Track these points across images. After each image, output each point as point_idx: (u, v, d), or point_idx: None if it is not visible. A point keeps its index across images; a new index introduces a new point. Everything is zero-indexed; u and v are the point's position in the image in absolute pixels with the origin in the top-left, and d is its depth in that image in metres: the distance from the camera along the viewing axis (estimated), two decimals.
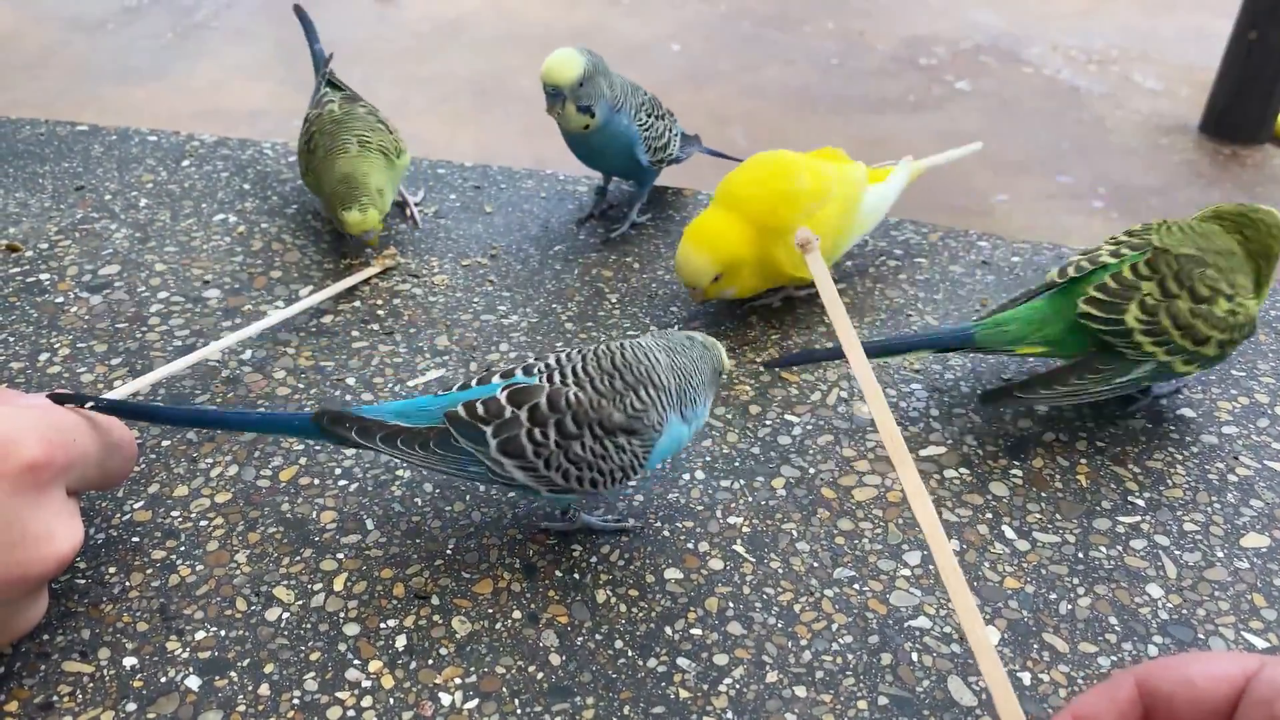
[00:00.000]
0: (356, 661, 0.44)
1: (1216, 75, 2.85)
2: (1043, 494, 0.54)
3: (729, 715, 0.42)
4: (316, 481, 0.53)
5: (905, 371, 0.62)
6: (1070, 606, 0.48)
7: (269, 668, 0.44)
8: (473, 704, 0.42)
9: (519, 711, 0.42)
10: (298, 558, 0.49)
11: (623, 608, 0.47)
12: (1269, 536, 0.51)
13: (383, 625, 0.46)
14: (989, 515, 0.52)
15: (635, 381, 0.46)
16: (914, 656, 0.45)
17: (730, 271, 0.61)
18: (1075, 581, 0.49)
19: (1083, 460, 0.56)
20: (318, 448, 0.55)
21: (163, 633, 0.45)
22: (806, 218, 0.61)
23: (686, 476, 0.54)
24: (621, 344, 0.48)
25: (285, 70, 2.99)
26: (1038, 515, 0.52)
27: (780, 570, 0.49)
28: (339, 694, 0.43)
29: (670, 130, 0.74)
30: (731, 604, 0.47)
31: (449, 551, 0.49)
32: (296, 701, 0.42)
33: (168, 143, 0.84)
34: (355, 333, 0.63)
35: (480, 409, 0.45)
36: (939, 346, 0.58)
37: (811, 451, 0.56)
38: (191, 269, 0.69)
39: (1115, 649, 0.46)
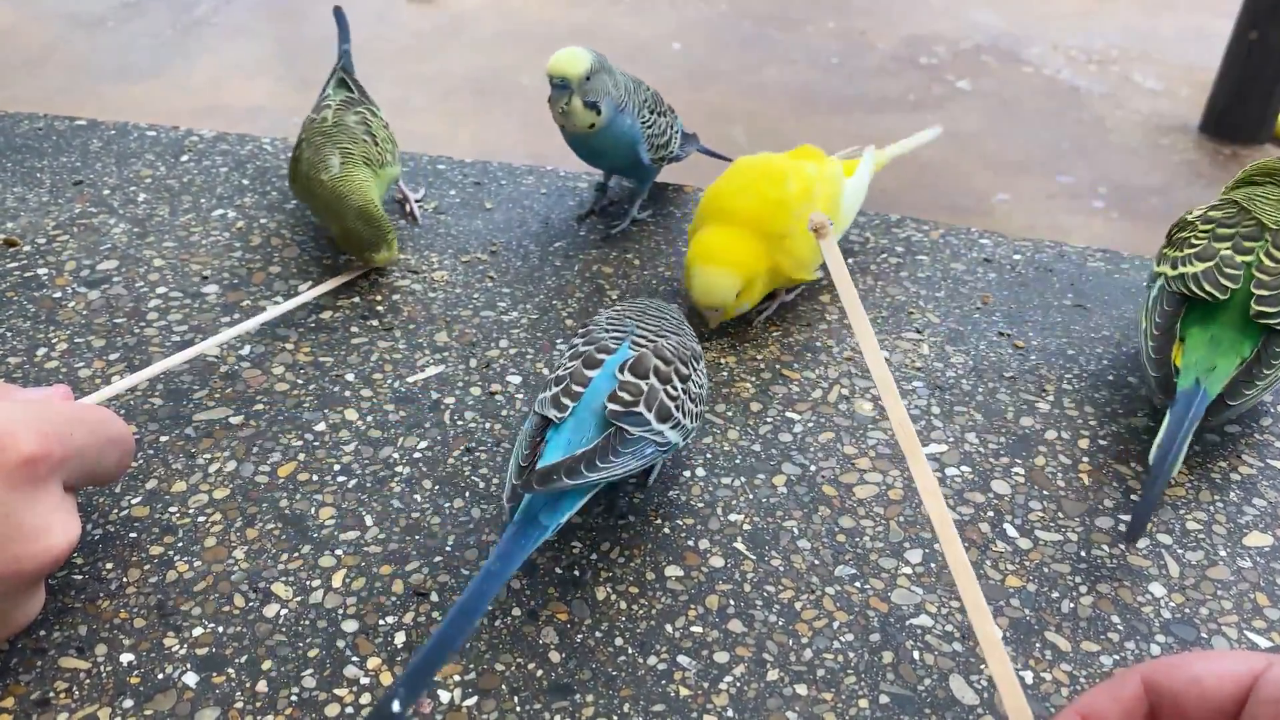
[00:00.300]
0: (355, 658, 0.44)
1: (1217, 75, 2.85)
2: (1045, 492, 0.53)
3: (729, 713, 0.42)
4: (315, 478, 0.52)
5: (907, 369, 0.62)
6: (1072, 605, 0.47)
7: (267, 664, 0.43)
8: (472, 701, 0.42)
9: (518, 709, 0.42)
10: (296, 554, 0.48)
11: (623, 605, 0.46)
12: (1272, 535, 0.51)
13: (381, 622, 0.45)
14: (990, 513, 0.52)
15: (672, 322, 0.53)
16: (915, 655, 0.45)
17: (747, 286, 0.61)
18: (1077, 580, 0.49)
19: (1085, 459, 0.56)
20: (316, 444, 0.54)
21: (160, 629, 0.45)
22: (799, 222, 0.61)
23: (687, 474, 0.54)
24: (632, 302, 0.55)
25: (285, 67, 2.99)
26: (1040, 513, 0.52)
27: (781, 568, 0.49)
28: (337, 691, 0.42)
29: (671, 128, 0.74)
30: (732, 601, 0.47)
31: (448, 548, 0.49)
32: (294, 698, 0.42)
33: (166, 138, 0.84)
34: (354, 328, 0.63)
35: (627, 395, 0.46)
36: (1192, 426, 0.53)
37: (812, 449, 0.55)
38: (190, 264, 0.68)
39: (1118, 648, 0.45)
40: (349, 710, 0.42)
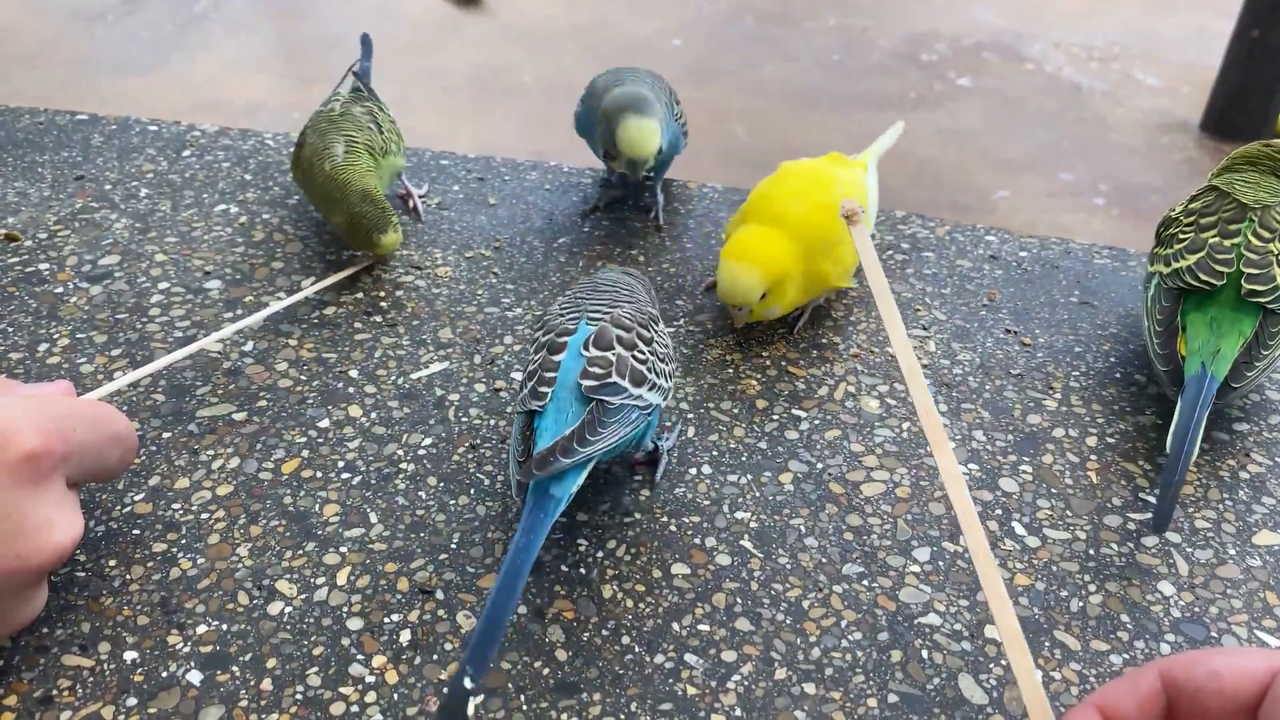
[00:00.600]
0: (360, 656, 0.43)
1: (1218, 73, 2.85)
2: (1053, 490, 0.53)
3: (737, 712, 0.42)
4: (319, 474, 0.52)
5: None
6: (1081, 604, 0.47)
7: (271, 662, 0.43)
8: (478, 700, 0.42)
9: (525, 708, 0.42)
10: (300, 551, 0.48)
11: (629, 603, 0.46)
12: None
13: (386, 620, 0.45)
14: (999, 511, 0.52)
15: (624, 291, 0.54)
16: (924, 654, 0.45)
17: (776, 288, 0.60)
18: (1086, 579, 0.48)
19: (1093, 456, 0.55)
20: (320, 440, 0.54)
21: (164, 627, 0.44)
22: (847, 231, 0.61)
23: (693, 471, 0.53)
24: (583, 281, 0.55)
25: (285, 63, 2.98)
26: (1048, 511, 0.52)
27: (788, 566, 0.48)
28: (342, 689, 0.42)
29: (683, 116, 0.75)
30: (739, 600, 0.47)
31: (453, 545, 0.49)
32: (299, 697, 0.42)
33: (168, 132, 0.83)
34: (358, 324, 0.63)
35: (598, 369, 0.47)
36: (1205, 410, 0.53)
37: (819, 446, 0.55)
38: (192, 259, 0.68)
39: (1127, 647, 0.45)
40: (354, 709, 0.41)
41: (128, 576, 0.46)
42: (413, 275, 0.67)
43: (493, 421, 0.56)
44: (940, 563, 0.49)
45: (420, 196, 0.76)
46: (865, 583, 0.48)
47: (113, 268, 0.67)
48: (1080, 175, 2.63)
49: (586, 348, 0.48)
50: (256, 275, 0.67)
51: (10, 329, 0.61)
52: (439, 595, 0.46)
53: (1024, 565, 0.49)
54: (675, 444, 0.54)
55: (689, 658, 0.44)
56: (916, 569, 0.49)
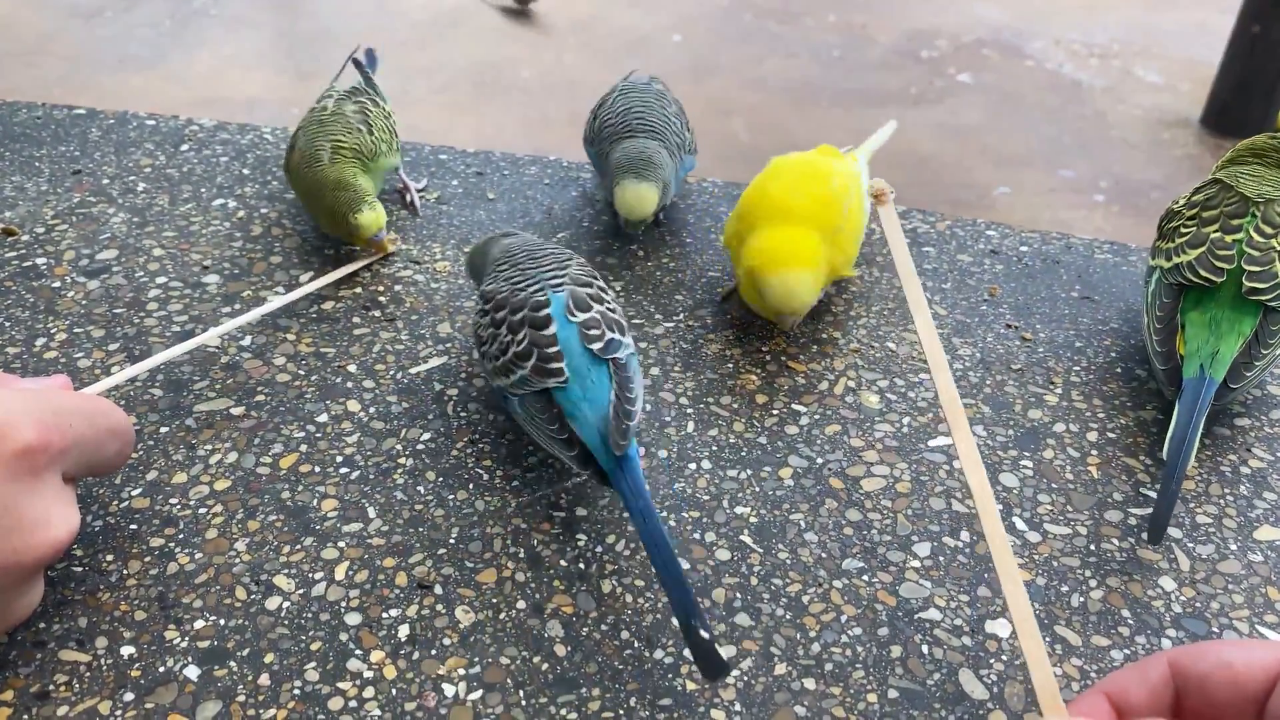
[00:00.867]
0: (358, 651, 0.43)
1: (1218, 69, 2.85)
2: (1053, 485, 0.53)
3: (737, 707, 0.42)
4: (317, 469, 0.52)
5: (913, 362, 0.61)
6: (1082, 599, 0.47)
7: (269, 657, 0.43)
8: (476, 695, 0.42)
9: (524, 703, 0.41)
10: (298, 546, 0.48)
11: (629, 598, 0.46)
12: None
13: (385, 615, 0.45)
14: (999, 507, 0.52)
15: (555, 253, 0.55)
16: (924, 649, 0.44)
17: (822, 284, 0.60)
18: (1087, 574, 0.48)
19: (1094, 452, 0.55)
20: (318, 435, 0.54)
21: (161, 622, 0.44)
22: (846, 219, 0.61)
23: (693, 466, 0.53)
24: (511, 256, 0.55)
25: (284, 59, 2.98)
26: (1049, 507, 0.52)
27: (788, 561, 0.48)
28: (340, 684, 0.42)
29: (692, 135, 0.74)
30: (739, 595, 0.46)
31: (452, 540, 0.48)
32: (297, 692, 0.41)
33: (166, 127, 0.83)
34: (356, 319, 0.62)
35: (594, 331, 0.49)
36: (1202, 416, 0.52)
37: (819, 441, 0.55)
38: (190, 254, 0.68)
39: (1128, 642, 0.45)
40: (352, 704, 0.41)
41: (125, 571, 0.46)
42: (411, 270, 0.67)
43: (491, 416, 0.56)
44: (940, 558, 0.49)
45: (418, 190, 0.76)
46: (865, 578, 0.48)
47: (110, 262, 0.66)
48: (1081, 171, 2.63)
49: (572, 314, 0.49)
50: (254, 270, 0.66)
51: (7, 323, 0.61)
52: (438, 590, 0.46)
53: (1024, 560, 0.49)
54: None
55: (689, 653, 0.44)
56: (917, 564, 0.48)
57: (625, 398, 0.48)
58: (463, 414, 0.56)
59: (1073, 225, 2.32)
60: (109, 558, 0.47)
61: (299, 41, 3.09)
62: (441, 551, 0.48)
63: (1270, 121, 2.73)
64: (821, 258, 0.59)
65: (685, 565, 0.48)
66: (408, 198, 0.75)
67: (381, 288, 0.65)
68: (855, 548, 0.49)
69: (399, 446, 0.53)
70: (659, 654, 0.44)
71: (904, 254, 0.38)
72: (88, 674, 0.42)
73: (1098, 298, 0.68)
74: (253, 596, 0.45)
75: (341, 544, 0.48)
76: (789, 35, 3.39)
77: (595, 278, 0.53)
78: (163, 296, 0.64)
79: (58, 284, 0.64)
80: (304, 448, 0.53)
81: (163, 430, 0.54)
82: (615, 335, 0.50)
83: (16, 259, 0.66)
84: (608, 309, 0.51)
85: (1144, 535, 0.50)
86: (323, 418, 0.55)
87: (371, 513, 0.50)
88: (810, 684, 0.43)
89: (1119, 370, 0.61)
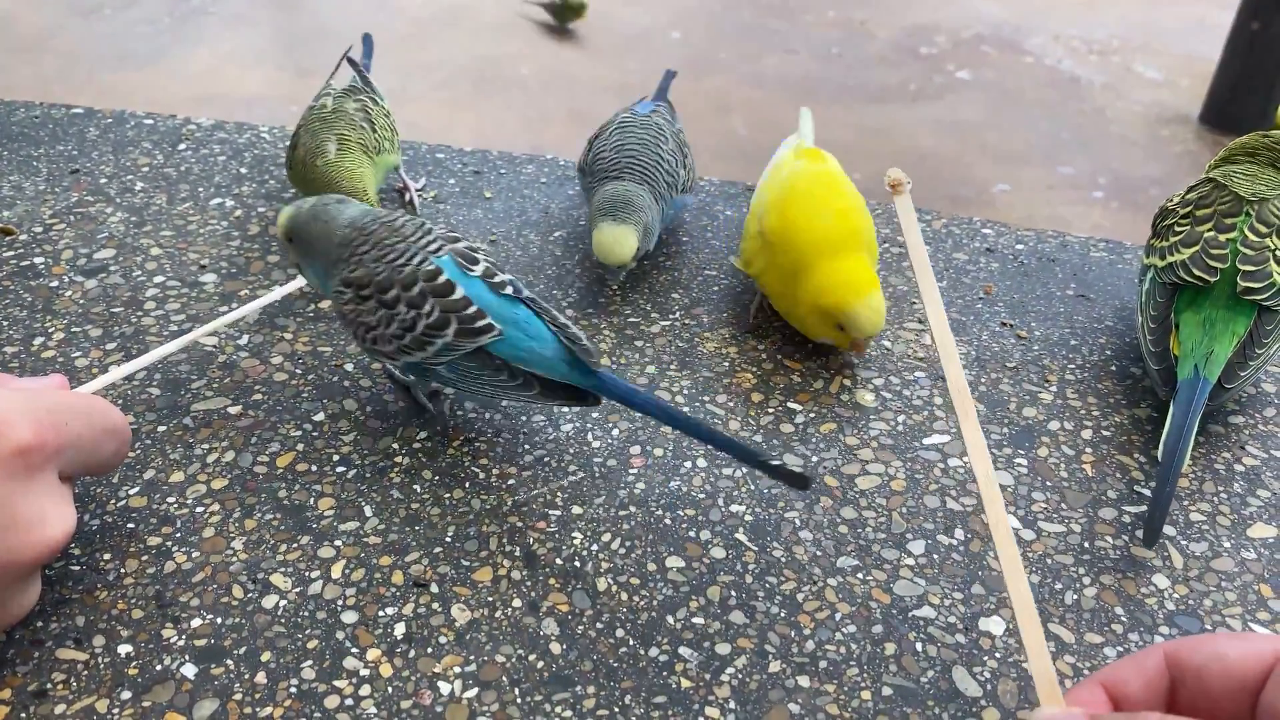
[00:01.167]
0: (355, 650, 0.43)
1: (1217, 66, 2.84)
2: (1048, 483, 0.53)
3: (731, 705, 0.42)
4: (314, 468, 0.52)
5: (909, 359, 0.61)
6: (1076, 596, 0.47)
7: (266, 656, 0.43)
8: (472, 693, 0.42)
9: (519, 700, 0.42)
10: (295, 545, 0.48)
11: (624, 596, 0.46)
12: (1276, 527, 0.51)
13: (381, 613, 0.45)
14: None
15: (416, 221, 0.53)
16: (918, 646, 0.45)
17: None
18: (1081, 571, 0.48)
19: (1088, 449, 0.55)
20: (315, 434, 0.54)
21: (158, 620, 0.44)
22: (867, 228, 0.61)
23: (688, 464, 0.53)
24: (364, 230, 0.51)
25: (282, 56, 2.98)
26: (1043, 504, 0.52)
27: (783, 559, 0.48)
28: (337, 683, 0.42)
29: (692, 166, 0.71)
30: (734, 593, 0.47)
31: (448, 539, 0.49)
32: (294, 690, 0.42)
33: (164, 126, 0.83)
34: None
35: (498, 279, 0.51)
36: (1196, 418, 0.52)
37: (814, 439, 0.55)
38: (188, 253, 0.68)
39: (1122, 639, 0.45)
40: (349, 702, 0.41)
41: (122, 570, 0.46)
42: None
43: (488, 415, 0.56)
44: (935, 556, 0.49)
45: (417, 190, 0.76)
46: (860, 576, 0.48)
47: (108, 261, 0.67)
48: (1080, 168, 2.63)
49: (468, 270, 0.50)
50: (252, 269, 0.67)
51: (5, 323, 0.61)
52: (434, 588, 0.46)
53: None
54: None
55: (683, 650, 0.44)
56: (911, 562, 0.49)
57: (560, 323, 0.50)
58: (459, 413, 0.56)
59: (1071, 222, 2.32)
60: (106, 556, 0.47)
61: (298, 39, 3.09)
62: (438, 550, 0.48)
63: (1269, 118, 2.73)
64: (874, 267, 0.60)
65: (680, 563, 0.48)
66: (407, 197, 0.75)
67: None
68: (850, 546, 0.49)
69: (396, 445, 0.54)
70: (654, 652, 0.44)
71: (919, 247, 0.39)
72: (85, 672, 0.42)
73: (1093, 296, 0.68)
74: (250, 595, 0.46)
75: (338, 542, 0.48)
76: (788, 32, 3.39)
77: (458, 232, 0.53)
78: (160, 295, 0.64)
79: (55, 283, 0.64)
80: (301, 446, 0.53)
81: (160, 429, 0.54)
82: (510, 276, 0.51)
83: (14, 258, 0.66)
84: (486, 255, 0.52)
85: (1138, 534, 0.50)
86: (319, 416, 0.55)
87: (368, 511, 0.50)
88: (804, 681, 0.43)
89: (1114, 368, 0.61)
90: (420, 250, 0.50)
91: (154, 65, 2.88)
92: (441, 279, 0.49)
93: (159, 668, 0.42)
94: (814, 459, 0.54)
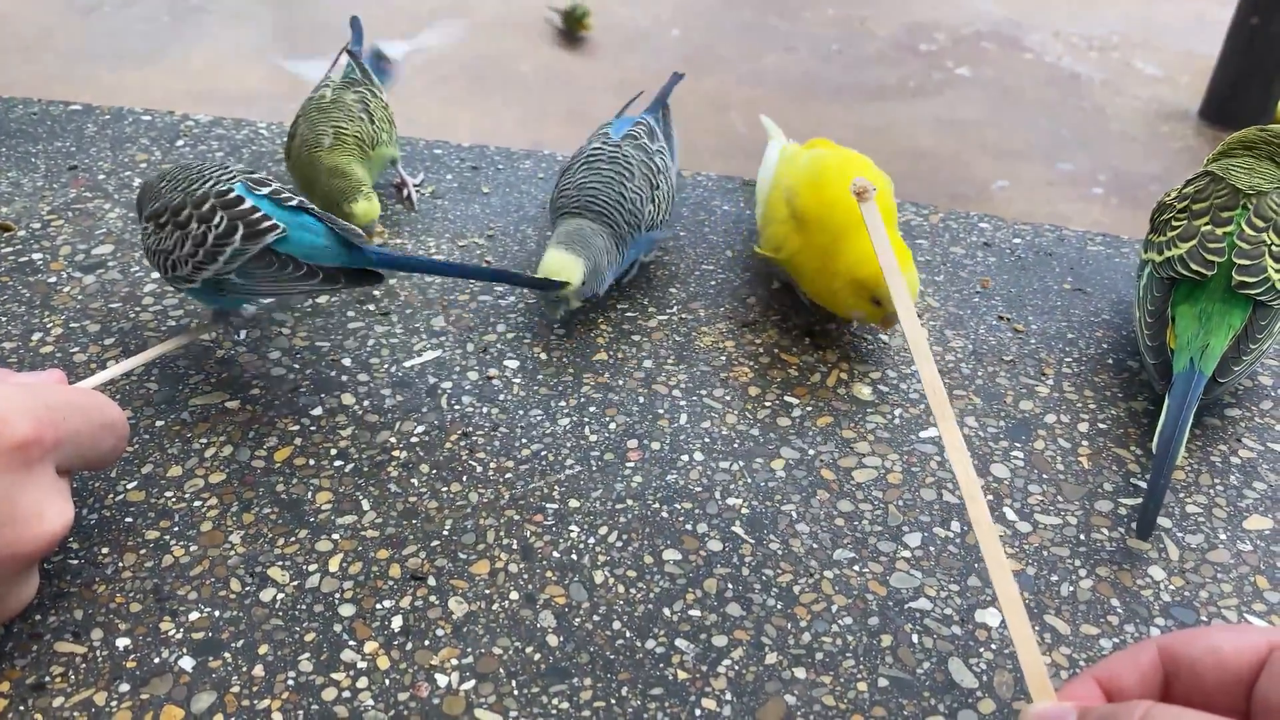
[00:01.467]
0: (352, 642, 0.44)
1: (1217, 62, 2.84)
2: (1044, 476, 0.53)
3: (728, 696, 0.42)
4: (311, 462, 0.52)
5: (906, 353, 0.61)
6: (1072, 588, 0.47)
7: (263, 649, 0.43)
8: (469, 685, 0.42)
9: (516, 692, 0.42)
10: (293, 538, 0.48)
11: (621, 589, 0.46)
12: (1272, 519, 0.51)
13: (379, 606, 0.45)
14: (990, 497, 0.52)
15: (197, 167, 0.57)
16: (914, 638, 0.45)
17: None
18: (1077, 563, 0.49)
19: (1084, 442, 0.55)
20: (313, 428, 0.54)
21: (156, 613, 0.44)
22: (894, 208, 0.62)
23: (685, 458, 0.53)
24: (151, 186, 0.57)
25: (281, 53, 2.97)
26: (1039, 497, 0.52)
27: (779, 551, 0.48)
28: (334, 675, 0.42)
29: (668, 201, 0.66)
30: (730, 585, 0.47)
31: (445, 532, 0.49)
32: (291, 683, 0.42)
33: (162, 122, 0.83)
34: (351, 313, 0.63)
35: (286, 191, 0.55)
36: (1191, 410, 0.52)
37: (811, 433, 0.55)
38: None
39: (1117, 631, 0.45)
40: (346, 694, 0.41)
41: (120, 564, 0.46)
42: None
43: (485, 409, 0.56)
44: (931, 548, 0.49)
45: (415, 185, 0.76)
46: (856, 568, 0.48)
47: (106, 257, 0.67)
48: (1079, 164, 2.63)
49: (257, 190, 0.54)
50: None
51: (4, 318, 0.61)
52: (431, 581, 0.46)
53: (1015, 550, 0.49)
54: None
55: (680, 642, 0.44)
56: (907, 554, 0.49)
57: (339, 224, 0.55)
58: (456, 407, 0.56)
59: (1071, 218, 2.32)
60: (104, 550, 0.47)
61: (297, 36, 3.09)
62: (435, 543, 0.48)
63: (1269, 113, 2.73)
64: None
65: (677, 556, 0.48)
66: (405, 192, 0.75)
67: None
68: (846, 538, 0.49)
69: (393, 439, 0.54)
70: (651, 644, 0.44)
71: (887, 252, 0.39)
72: (84, 665, 0.42)
73: (1090, 290, 0.68)
74: (247, 588, 0.46)
75: (335, 536, 0.48)
76: (788, 29, 3.39)
77: (256, 173, 0.57)
78: (158, 291, 0.64)
79: (54, 279, 0.64)
80: (298, 441, 0.53)
81: (158, 424, 0.54)
82: (295, 195, 0.55)
83: (12, 254, 0.67)
84: (267, 180, 0.56)
85: (1134, 526, 0.50)
86: (317, 411, 0.55)
87: (365, 505, 0.50)
88: (801, 673, 0.43)
89: (1110, 361, 0.61)
90: (215, 179, 0.55)
91: (153, 62, 2.88)
92: (231, 195, 0.53)
93: (157, 660, 0.42)
94: (811, 452, 0.54)
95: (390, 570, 0.47)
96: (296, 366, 0.58)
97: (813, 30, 3.40)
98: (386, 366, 0.59)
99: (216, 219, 0.52)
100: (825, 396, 0.58)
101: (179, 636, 0.43)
